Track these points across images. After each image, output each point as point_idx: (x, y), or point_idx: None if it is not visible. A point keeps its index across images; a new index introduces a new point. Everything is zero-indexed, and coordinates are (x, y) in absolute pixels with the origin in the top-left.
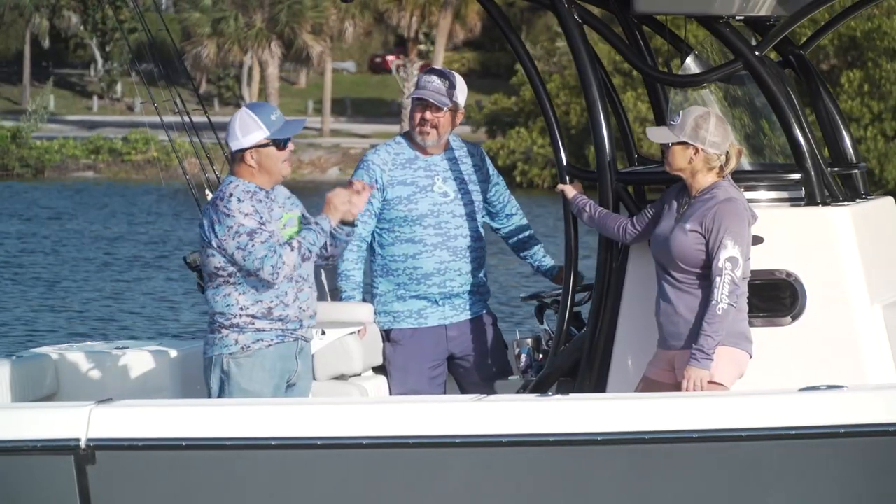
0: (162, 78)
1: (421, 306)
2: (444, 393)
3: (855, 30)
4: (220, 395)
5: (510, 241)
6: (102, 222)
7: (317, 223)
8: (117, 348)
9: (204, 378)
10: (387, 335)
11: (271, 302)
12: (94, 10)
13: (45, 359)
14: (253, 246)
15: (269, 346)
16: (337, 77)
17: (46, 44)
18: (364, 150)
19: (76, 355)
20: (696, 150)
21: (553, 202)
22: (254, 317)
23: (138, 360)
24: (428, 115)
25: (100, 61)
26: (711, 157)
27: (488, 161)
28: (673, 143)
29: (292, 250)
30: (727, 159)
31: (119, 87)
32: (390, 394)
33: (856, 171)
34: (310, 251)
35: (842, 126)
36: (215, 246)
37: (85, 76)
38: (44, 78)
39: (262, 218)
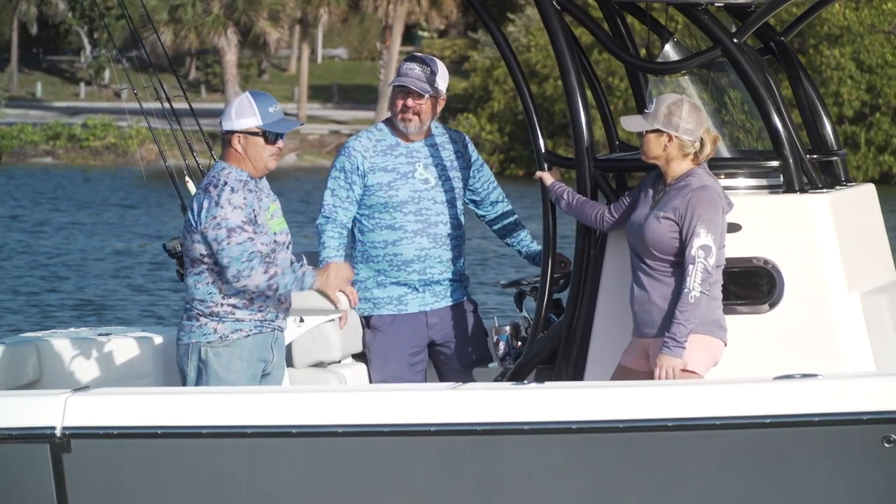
0: (147, 64)
1: (401, 293)
2: (425, 380)
3: (796, 16)
4: (197, 384)
5: (496, 228)
6: (77, 208)
7: (304, 275)
8: (101, 335)
9: (179, 365)
10: (367, 322)
11: (253, 292)
12: None
13: (28, 345)
14: (227, 243)
15: (248, 336)
16: (328, 63)
17: (34, 30)
18: (322, 137)
19: (59, 342)
20: (670, 138)
21: (503, 187)
22: (234, 306)
23: (121, 346)
24: (409, 101)
25: (88, 48)
26: (685, 143)
27: (471, 148)
28: (647, 131)
29: (264, 273)
30: (702, 146)
31: (107, 74)
32: (370, 381)
33: (835, 157)
34: (277, 286)
35: (822, 113)
36: (200, 232)
37: (75, 63)
38: (34, 65)
39: (252, 211)
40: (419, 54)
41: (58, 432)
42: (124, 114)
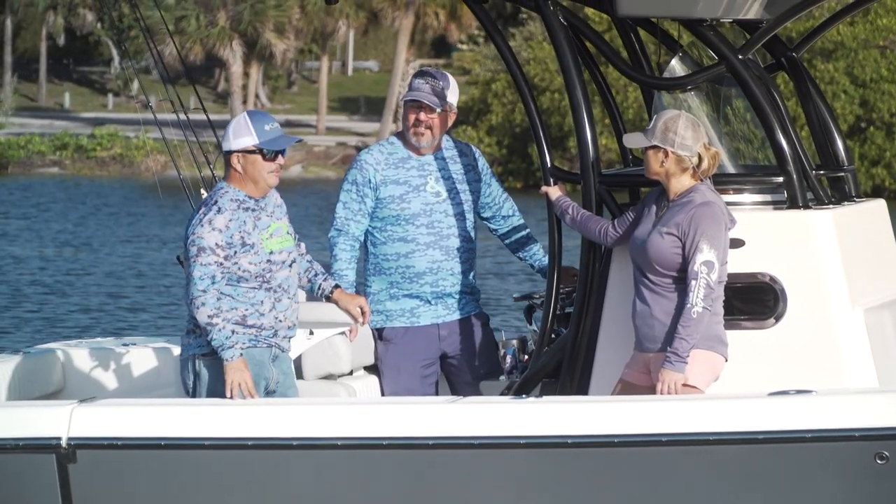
0: (167, 76)
1: (413, 305)
2: (437, 392)
3: (791, 30)
4: (192, 396)
5: (508, 242)
6: (87, 218)
7: (232, 347)
8: (124, 345)
9: (181, 378)
10: (379, 334)
11: (246, 310)
12: (110, 8)
13: (52, 355)
14: (194, 262)
15: (242, 349)
16: (359, 76)
17: (62, 42)
18: (328, 149)
19: (83, 352)
20: (667, 153)
21: None
22: (227, 320)
23: (144, 356)
24: (422, 116)
25: (116, 59)
26: (682, 159)
27: (482, 161)
28: (646, 148)
29: (208, 316)
30: (699, 161)
31: (135, 85)
32: (382, 393)
33: (843, 173)
34: (210, 332)
35: (833, 128)
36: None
37: (105, 74)
38: (64, 75)
39: (239, 233)
40: (429, 69)
41: (63, 443)
42: (150, 124)
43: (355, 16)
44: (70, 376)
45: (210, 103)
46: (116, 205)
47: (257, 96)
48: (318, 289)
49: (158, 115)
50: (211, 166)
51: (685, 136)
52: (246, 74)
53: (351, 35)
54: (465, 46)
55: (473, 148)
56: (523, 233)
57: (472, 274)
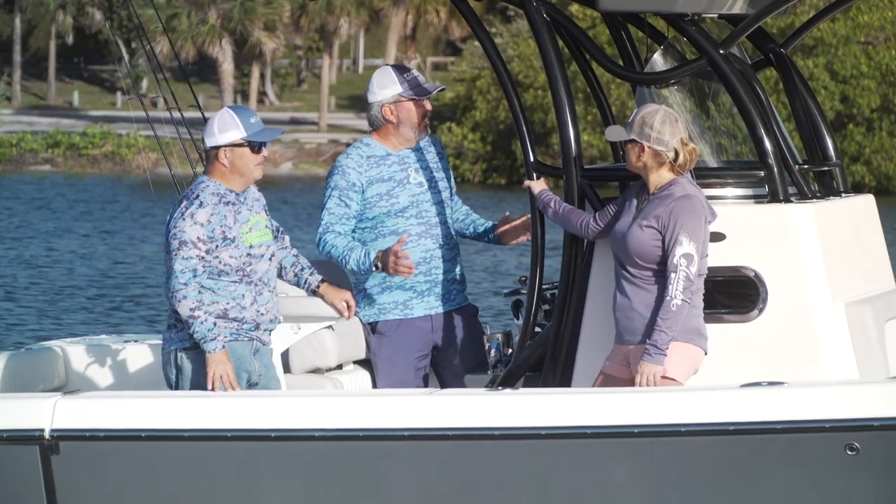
0: (168, 74)
1: (406, 297)
2: (427, 385)
3: (772, 27)
4: (176, 389)
5: (458, 226)
6: (100, 217)
7: (214, 339)
8: (125, 341)
9: (164, 372)
10: (373, 328)
11: (227, 304)
12: (118, 7)
13: (53, 352)
14: (175, 255)
15: (223, 342)
16: (370, 74)
17: (70, 40)
18: (319, 146)
19: (85, 348)
20: (643, 148)
21: (485, 196)
22: (209, 314)
23: (145, 353)
24: (427, 105)
25: (126, 58)
26: (659, 153)
27: (443, 150)
28: (626, 142)
29: (190, 308)
30: (676, 155)
31: (145, 84)
32: (376, 386)
33: (828, 168)
34: (192, 325)
35: (820, 123)
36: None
37: (115, 72)
38: (74, 74)
39: (221, 227)
40: (398, 63)
41: (46, 434)
42: (142, 122)
43: (357, 14)
44: (71, 373)
45: (218, 101)
46: (108, 201)
47: (265, 94)
48: (304, 283)
49: (155, 112)
50: (204, 162)
51: (661, 132)
52: (248, 73)
53: (361, 33)
54: (476, 43)
55: (437, 137)
56: (466, 210)
57: (459, 260)
